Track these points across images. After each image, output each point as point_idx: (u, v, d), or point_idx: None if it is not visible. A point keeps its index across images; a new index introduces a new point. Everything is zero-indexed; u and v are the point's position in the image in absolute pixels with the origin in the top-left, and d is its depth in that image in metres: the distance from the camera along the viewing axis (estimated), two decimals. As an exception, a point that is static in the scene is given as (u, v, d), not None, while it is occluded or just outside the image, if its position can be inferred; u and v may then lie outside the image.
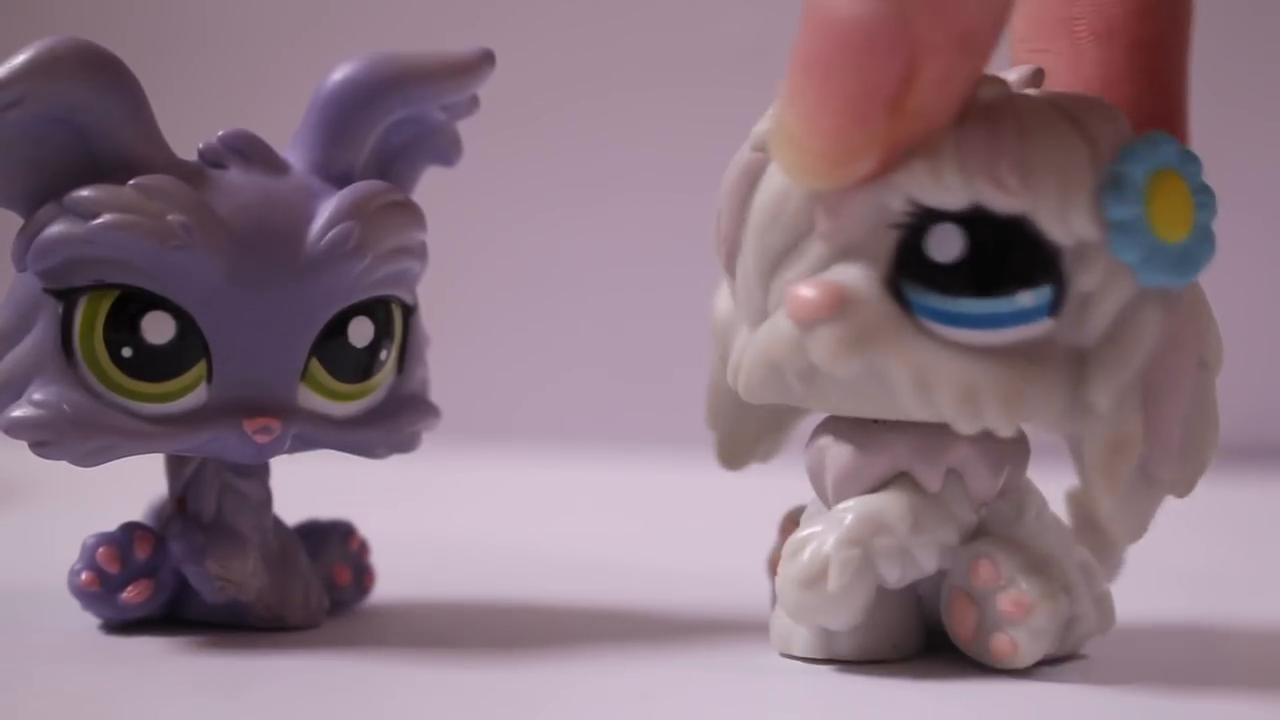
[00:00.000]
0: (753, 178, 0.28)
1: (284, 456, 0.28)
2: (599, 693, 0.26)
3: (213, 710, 0.25)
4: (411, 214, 0.29)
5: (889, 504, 0.27)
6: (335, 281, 0.27)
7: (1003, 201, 0.25)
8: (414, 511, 0.49)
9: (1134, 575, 0.32)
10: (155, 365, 0.27)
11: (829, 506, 0.28)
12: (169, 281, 0.27)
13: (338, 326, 0.28)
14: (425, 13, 0.65)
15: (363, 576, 0.32)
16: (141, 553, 0.29)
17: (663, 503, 0.54)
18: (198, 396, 0.27)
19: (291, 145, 0.29)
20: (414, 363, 0.30)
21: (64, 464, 0.27)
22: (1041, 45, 0.29)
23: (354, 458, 0.29)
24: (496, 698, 0.26)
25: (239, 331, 0.27)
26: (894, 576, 0.27)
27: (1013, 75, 0.28)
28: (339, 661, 0.28)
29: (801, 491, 0.29)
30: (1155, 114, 0.29)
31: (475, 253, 0.70)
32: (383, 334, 0.29)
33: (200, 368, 0.27)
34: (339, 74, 0.29)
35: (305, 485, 0.32)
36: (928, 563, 0.27)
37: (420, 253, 0.29)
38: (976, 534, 0.28)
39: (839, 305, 0.26)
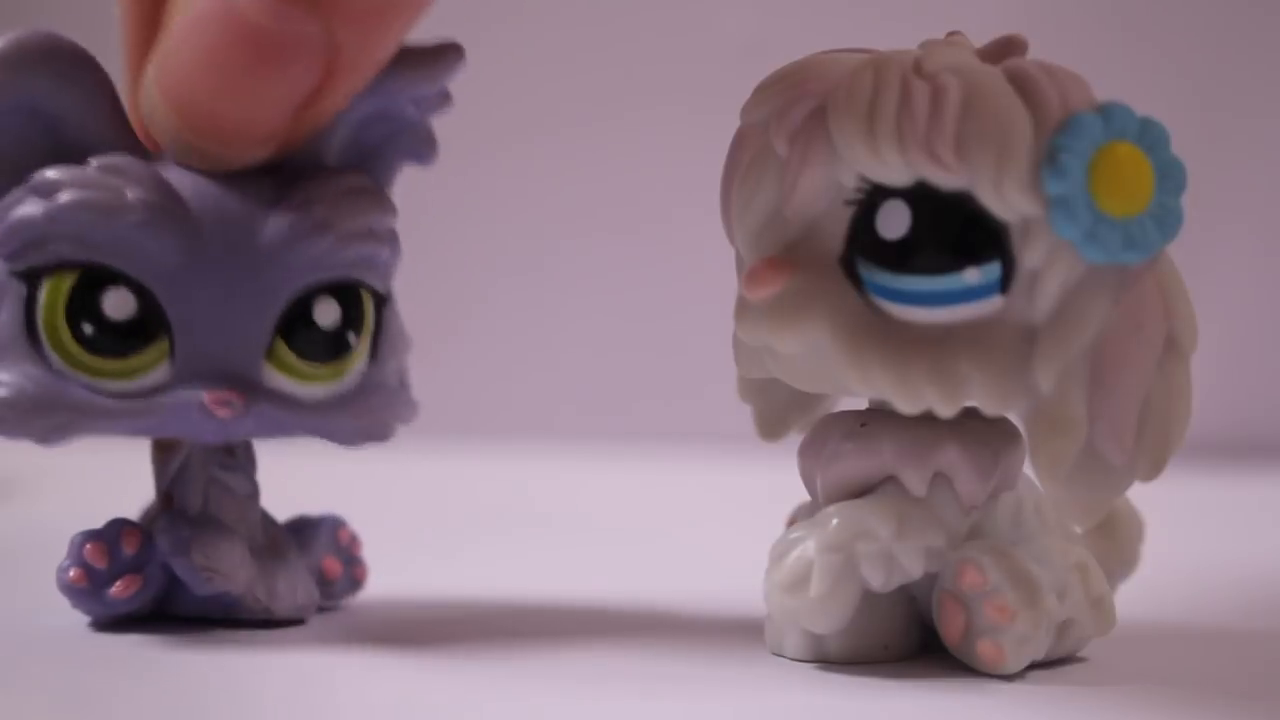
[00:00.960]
0: (743, 148, 0.28)
1: (266, 447, 0.28)
2: (593, 691, 0.26)
3: (201, 705, 0.25)
4: (377, 199, 0.29)
5: (874, 508, 0.27)
6: (297, 260, 0.28)
7: (942, 176, 0.25)
8: (407, 506, 0.49)
9: (1135, 575, 0.31)
10: (116, 342, 0.27)
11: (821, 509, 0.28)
12: (129, 257, 0.27)
13: (304, 307, 0.28)
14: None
15: (354, 570, 0.32)
16: (129, 548, 0.29)
17: (661, 500, 0.54)
18: (160, 374, 0.27)
19: None
20: (388, 353, 0.30)
21: (60, 462, 0.27)
22: None
23: (342, 451, 0.29)
24: (489, 693, 0.26)
25: (200, 308, 0.27)
26: (878, 581, 0.27)
27: (987, 44, 0.27)
28: (327, 655, 0.28)
29: (801, 489, 0.29)
30: None
31: (463, 246, 0.70)
32: (351, 318, 0.29)
33: (162, 345, 0.27)
34: None
35: (297, 481, 0.32)
36: (913, 567, 0.27)
37: (389, 240, 0.29)
38: (970, 536, 0.28)
39: (782, 282, 0.26)
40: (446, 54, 0.29)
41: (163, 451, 0.29)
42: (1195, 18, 0.70)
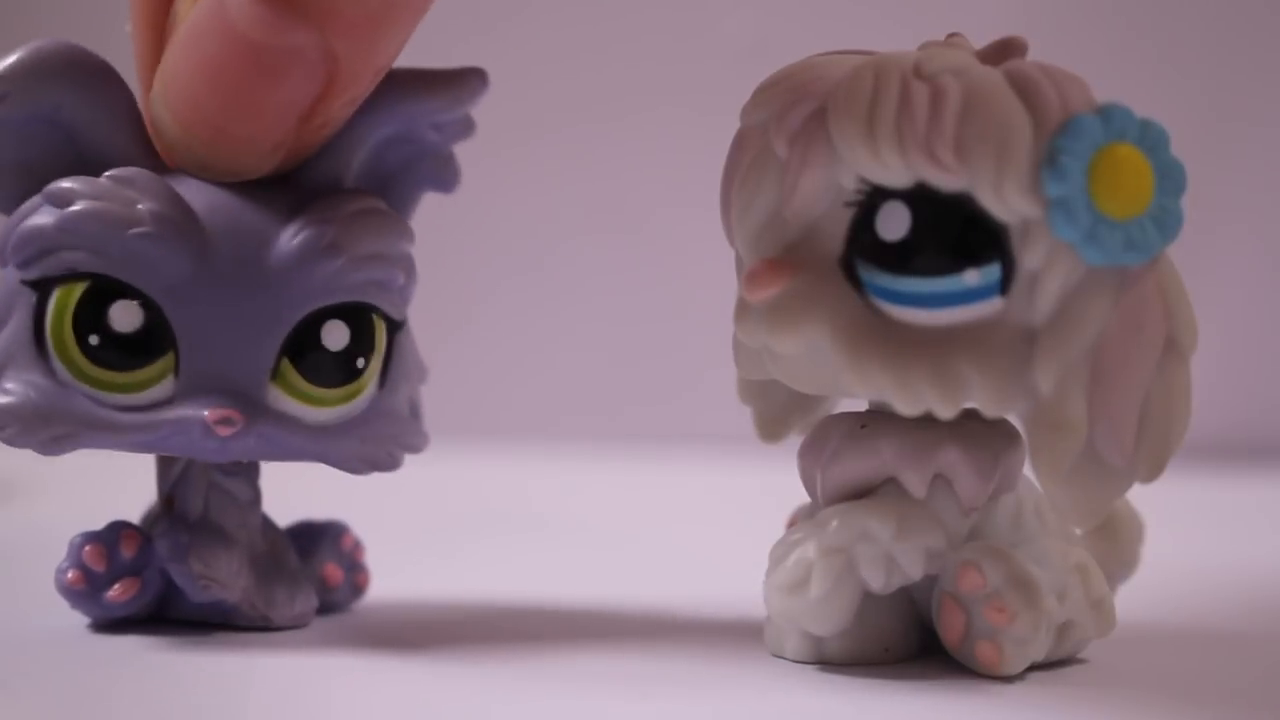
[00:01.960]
0: (743, 150, 0.28)
1: (267, 465, 0.28)
2: (594, 692, 0.26)
3: (197, 709, 0.25)
4: (392, 223, 0.29)
5: (873, 510, 0.27)
6: (307, 281, 0.27)
7: (941, 178, 0.25)
8: (406, 506, 0.49)
9: (1136, 577, 0.31)
10: (122, 354, 0.27)
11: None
12: (137, 269, 0.27)
13: (312, 329, 0.28)
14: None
15: (356, 576, 0.32)
16: (127, 551, 0.29)
17: (661, 501, 0.54)
18: (164, 389, 0.27)
19: None
20: (400, 380, 0.29)
21: (61, 463, 0.27)
22: None
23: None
24: (487, 695, 0.26)
25: (207, 324, 0.27)
26: (878, 583, 0.27)
27: (986, 46, 0.27)
28: (324, 658, 0.28)
29: (801, 490, 0.29)
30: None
31: (463, 247, 0.70)
32: (360, 342, 0.28)
33: (167, 360, 0.27)
34: None
35: (295, 483, 0.32)
36: (913, 569, 0.27)
37: (403, 264, 0.29)
38: (971, 537, 0.28)
39: (781, 283, 0.26)
40: (469, 79, 0.29)
41: (166, 455, 0.29)
42: (1195, 18, 0.70)
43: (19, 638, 0.29)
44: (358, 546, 0.32)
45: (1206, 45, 0.69)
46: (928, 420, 0.27)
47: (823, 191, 0.27)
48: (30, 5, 0.70)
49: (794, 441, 0.30)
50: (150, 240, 0.27)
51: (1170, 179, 0.26)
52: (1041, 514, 0.29)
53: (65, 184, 0.27)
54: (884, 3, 0.63)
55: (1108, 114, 0.25)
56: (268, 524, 0.30)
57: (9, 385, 0.27)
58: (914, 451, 0.27)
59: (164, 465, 0.29)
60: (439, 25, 0.29)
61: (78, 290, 0.27)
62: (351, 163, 0.29)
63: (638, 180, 0.71)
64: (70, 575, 0.29)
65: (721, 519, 0.47)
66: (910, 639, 0.28)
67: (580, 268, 0.72)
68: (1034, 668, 0.27)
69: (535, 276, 0.72)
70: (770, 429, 0.31)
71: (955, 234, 0.26)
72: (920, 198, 0.26)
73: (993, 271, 0.26)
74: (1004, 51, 0.27)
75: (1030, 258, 0.26)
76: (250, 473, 0.30)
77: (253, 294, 0.27)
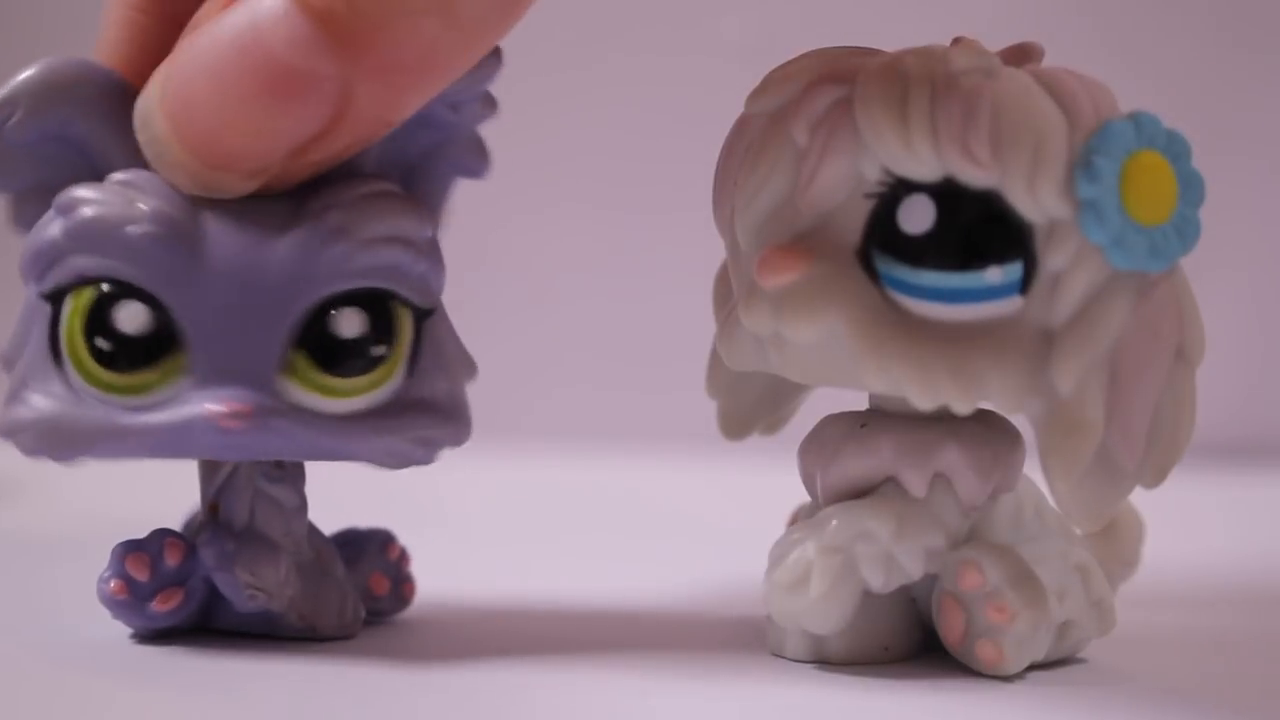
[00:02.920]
0: (745, 136, 0.28)
1: (314, 466, 0.28)
2: (596, 693, 0.26)
3: (225, 716, 0.25)
4: (405, 205, 0.28)
5: (873, 509, 0.27)
6: (312, 268, 0.27)
7: (973, 174, 0.25)
8: (404, 507, 0.49)
9: (1136, 577, 0.31)
10: (130, 356, 0.27)
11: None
12: (140, 268, 0.27)
13: (327, 317, 0.27)
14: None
15: (402, 586, 0.31)
16: (171, 560, 0.28)
17: (661, 500, 0.54)
18: (175, 389, 0.27)
19: None
20: (432, 369, 0.28)
21: (112, 473, 0.27)
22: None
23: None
24: (490, 695, 0.26)
25: (214, 320, 0.27)
26: (878, 582, 0.27)
27: (1004, 49, 0.28)
28: (369, 671, 0.27)
29: (801, 489, 0.29)
30: None
31: (463, 249, 0.69)
32: (379, 330, 0.28)
33: (177, 359, 0.27)
34: None
35: (346, 494, 0.32)
36: (913, 568, 0.27)
37: (423, 249, 0.28)
38: (970, 536, 0.28)
39: (802, 270, 0.26)
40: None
41: (210, 461, 0.29)
42: (1195, 19, 0.69)
43: (61, 649, 0.28)
44: (404, 556, 0.31)
45: (1208, 50, 0.69)
46: (928, 419, 0.27)
47: (843, 181, 0.26)
48: (31, 5, 0.70)
49: (794, 440, 0.29)
50: (151, 238, 0.26)
51: (1192, 189, 0.26)
52: (1041, 514, 0.29)
53: (71, 192, 0.27)
54: (884, 4, 0.63)
55: (1139, 121, 0.26)
56: (314, 531, 0.30)
57: (27, 396, 0.27)
58: (914, 451, 0.27)
59: (208, 472, 0.29)
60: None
61: (86, 295, 0.27)
62: (371, 150, 0.28)
63: (638, 180, 0.71)
64: (113, 585, 0.28)
65: (721, 519, 0.47)
66: (910, 638, 0.28)
67: (581, 268, 0.72)
68: (1034, 667, 0.27)
69: (536, 276, 0.72)
70: (734, 427, 0.31)
71: (979, 231, 0.26)
72: (946, 192, 0.26)
73: (1014, 270, 0.26)
74: (1021, 56, 0.27)
75: (1055, 258, 0.26)
76: (295, 479, 0.29)
77: (258, 286, 0.27)
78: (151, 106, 0.27)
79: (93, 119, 0.28)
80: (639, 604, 0.34)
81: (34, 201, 0.28)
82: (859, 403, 0.29)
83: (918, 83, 0.26)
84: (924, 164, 0.26)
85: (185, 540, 0.28)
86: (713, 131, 0.29)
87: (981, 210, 0.26)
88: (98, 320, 0.27)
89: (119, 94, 0.28)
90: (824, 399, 0.30)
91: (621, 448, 0.64)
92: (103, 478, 0.29)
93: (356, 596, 0.30)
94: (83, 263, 0.27)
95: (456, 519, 0.49)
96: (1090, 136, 0.26)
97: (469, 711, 0.25)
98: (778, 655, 0.28)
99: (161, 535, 0.28)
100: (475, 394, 0.29)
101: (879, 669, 0.28)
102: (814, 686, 0.27)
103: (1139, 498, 0.28)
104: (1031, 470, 0.28)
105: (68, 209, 0.27)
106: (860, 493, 0.28)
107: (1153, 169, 0.26)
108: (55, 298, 0.27)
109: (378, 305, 0.28)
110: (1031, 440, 0.27)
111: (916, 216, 0.26)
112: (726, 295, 0.30)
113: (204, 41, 0.26)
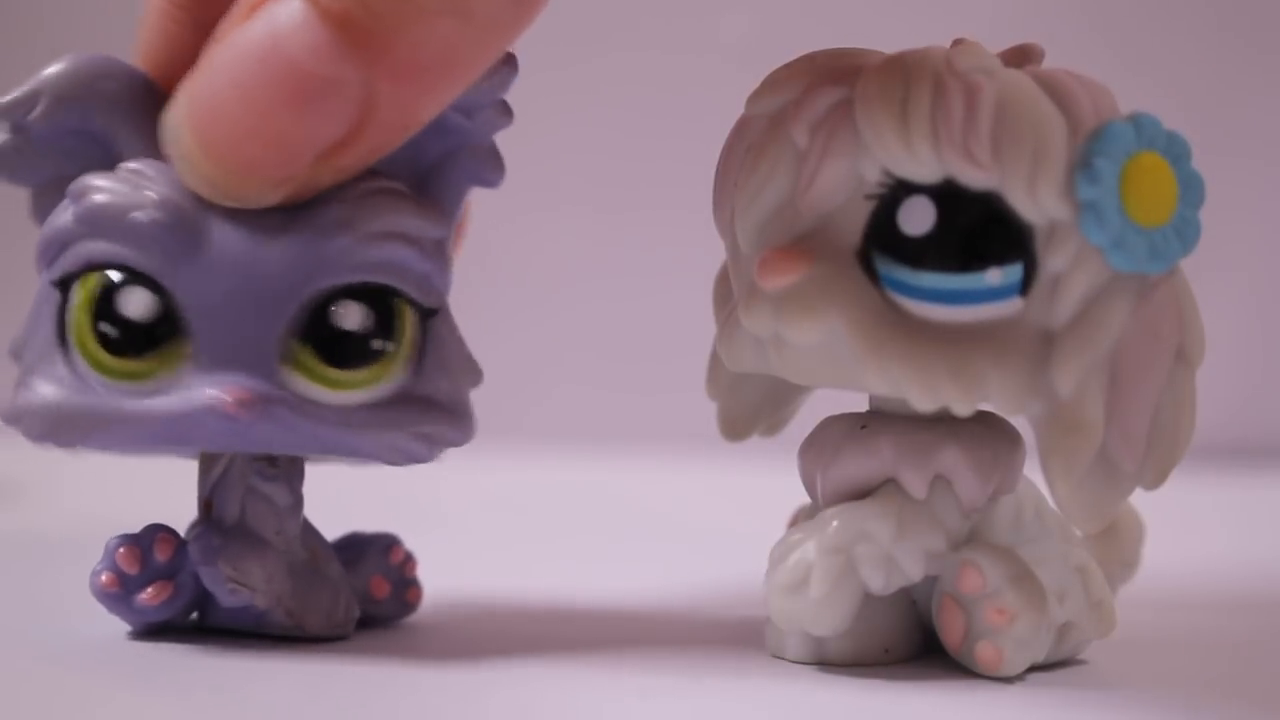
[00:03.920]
0: (745, 137, 0.28)
1: (315, 468, 0.28)
2: (596, 693, 0.26)
3: (216, 715, 0.25)
4: (409, 203, 0.28)
5: (873, 511, 0.27)
6: (313, 260, 0.27)
7: (973, 175, 0.25)
8: (403, 508, 0.49)
9: (1136, 579, 0.31)
10: (134, 341, 0.27)
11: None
12: (145, 253, 0.27)
13: (328, 309, 0.27)
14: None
15: (406, 591, 0.31)
16: (161, 555, 0.28)
17: (661, 501, 0.54)
18: (178, 376, 0.27)
19: None
20: (437, 370, 0.28)
21: (112, 474, 0.27)
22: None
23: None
24: (490, 695, 0.26)
25: (218, 308, 0.27)
26: (878, 583, 0.27)
27: (1004, 50, 0.28)
28: (368, 671, 0.27)
29: (801, 490, 0.29)
30: None
31: (474, 251, 0.69)
32: (381, 325, 0.28)
33: (180, 345, 0.27)
34: None
35: (346, 495, 0.32)
36: (913, 570, 0.27)
37: (427, 248, 0.28)
38: (971, 538, 0.28)
39: (802, 271, 0.26)
40: (496, 63, 0.29)
41: (207, 458, 0.29)
42: (1196, 20, 0.69)
43: (55, 645, 0.28)
44: (409, 560, 0.31)
45: (1208, 51, 0.69)
46: (928, 421, 0.27)
47: (843, 182, 0.26)
48: (32, 5, 0.70)
49: (794, 441, 0.30)
50: (157, 224, 0.27)
51: (1192, 190, 0.26)
52: (1041, 515, 0.29)
53: (83, 180, 0.27)
54: (885, 4, 0.63)
55: (1139, 122, 0.26)
56: (309, 531, 0.30)
57: (33, 383, 0.27)
58: (914, 452, 0.27)
59: (205, 469, 0.29)
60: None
61: (93, 281, 0.27)
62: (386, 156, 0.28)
63: (639, 180, 0.71)
64: (104, 578, 0.28)
65: (721, 519, 0.47)
66: (910, 640, 0.28)
67: (580, 268, 0.72)
68: (1034, 668, 0.28)
69: (535, 278, 0.72)
70: (734, 428, 0.31)
71: (980, 232, 0.26)
72: (946, 194, 0.26)
73: (1014, 272, 0.26)
74: (1021, 58, 0.27)
75: (1055, 260, 0.26)
76: (291, 477, 0.29)
77: (261, 276, 0.27)
78: (177, 122, 0.27)
79: (114, 114, 0.28)
80: (639, 605, 0.34)
81: (55, 195, 0.28)
82: (859, 404, 0.29)
83: (918, 84, 0.26)
84: (924, 165, 0.26)
85: (177, 535, 0.29)
86: (713, 132, 0.29)
87: (981, 212, 0.26)
88: (104, 306, 0.27)
89: (142, 91, 0.28)
90: (824, 400, 0.30)
91: (622, 449, 0.64)
92: (103, 478, 0.28)
93: (351, 598, 0.30)
94: (91, 248, 0.27)
95: (457, 519, 0.49)
96: (1090, 138, 0.26)
97: (469, 712, 0.25)
98: (778, 657, 0.28)
99: (154, 530, 0.29)
100: (476, 394, 0.29)
101: (879, 670, 0.28)
102: (814, 688, 0.27)
103: (1139, 499, 0.28)
104: (1031, 471, 0.28)
105: (79, 195, 0.27)
106: (860, 494, 0.28)
107: (1153, 170, 0.26)
108: (64, 284, 0.27)
109: (380, 301, 0.28)
110: (1032, 442, 0.27)
111: (917, 218, 0.26)
112: (727, 296, 0.30)
113: (225, 54, 0.26)
